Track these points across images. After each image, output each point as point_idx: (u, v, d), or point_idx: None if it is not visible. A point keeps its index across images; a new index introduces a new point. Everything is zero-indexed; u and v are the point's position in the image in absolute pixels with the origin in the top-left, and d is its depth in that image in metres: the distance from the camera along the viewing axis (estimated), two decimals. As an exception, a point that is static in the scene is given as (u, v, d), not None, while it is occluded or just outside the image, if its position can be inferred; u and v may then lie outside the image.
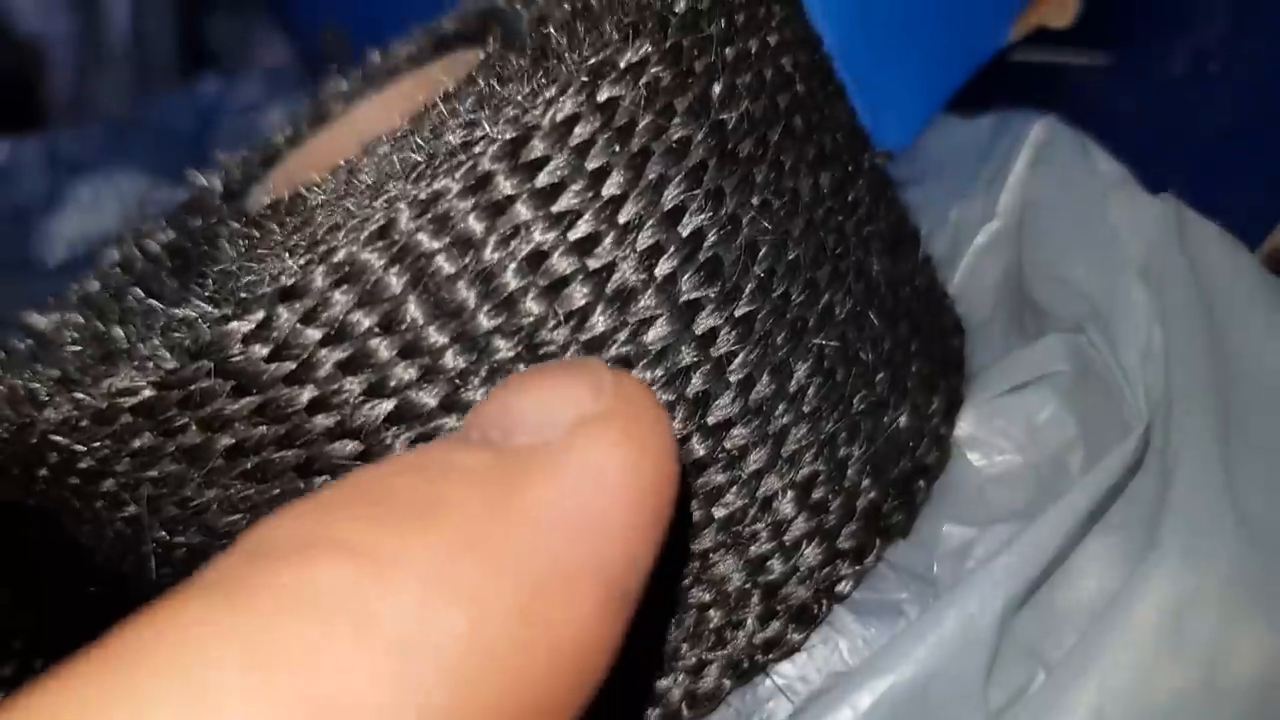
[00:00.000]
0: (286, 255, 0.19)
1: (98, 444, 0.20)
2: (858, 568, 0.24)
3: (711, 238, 0.21)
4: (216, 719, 0.11)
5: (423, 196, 0.19)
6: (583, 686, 0.13)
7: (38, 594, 0.26)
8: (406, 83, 0.31)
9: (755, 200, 0.22)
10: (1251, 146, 0.39)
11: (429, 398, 0.20)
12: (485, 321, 0.20)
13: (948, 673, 0.18)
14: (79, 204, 0.75)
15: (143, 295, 0.25)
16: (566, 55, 0.20)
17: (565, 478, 0.14)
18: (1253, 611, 0.18)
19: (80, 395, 0.20)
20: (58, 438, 0.20)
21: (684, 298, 0.21)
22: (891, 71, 0.39)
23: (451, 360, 0.20)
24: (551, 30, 0.23)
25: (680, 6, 0.21)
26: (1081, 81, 0.44)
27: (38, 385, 0.21)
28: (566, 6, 0.25)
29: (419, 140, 0.21)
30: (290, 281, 0.18)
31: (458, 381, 0.20)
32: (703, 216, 0.21)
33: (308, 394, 0.19)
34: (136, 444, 0.20)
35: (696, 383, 0.21)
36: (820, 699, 0.19)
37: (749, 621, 0.23)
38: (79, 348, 0.23)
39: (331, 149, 0.30)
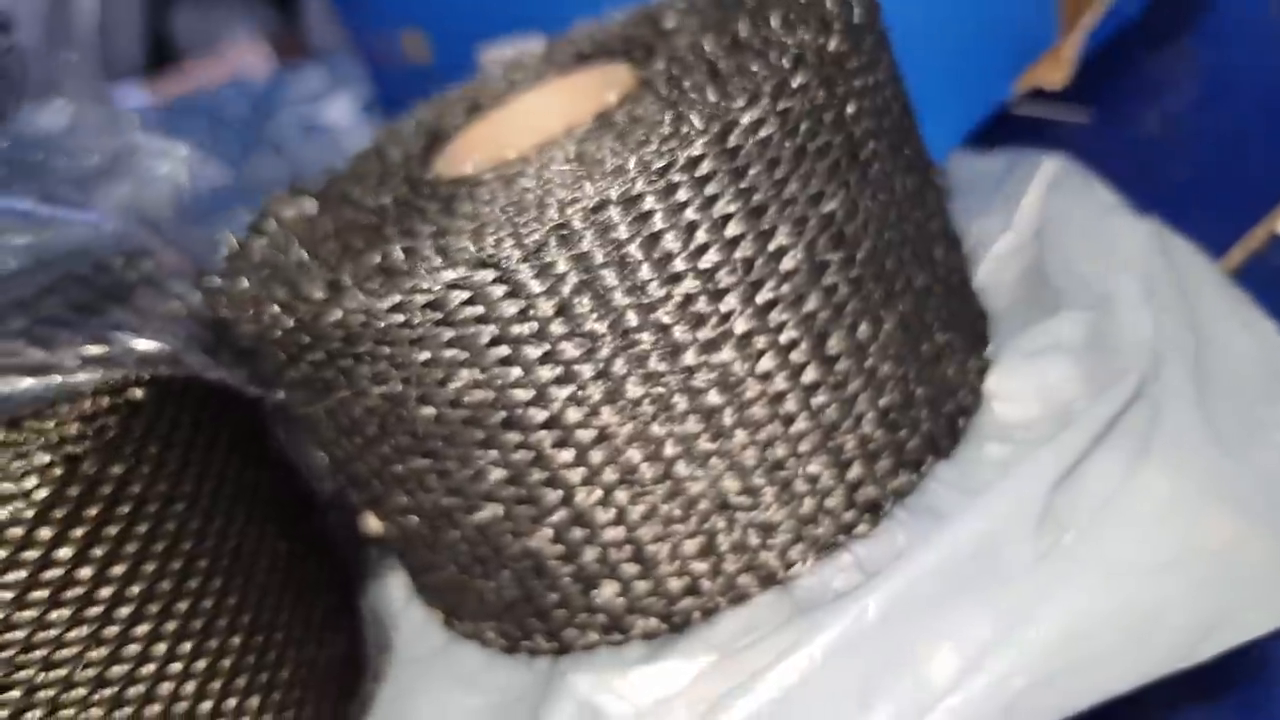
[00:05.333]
0: (557, 202, 0.26)
1: (385, 330, 0.27)
2: (915, 476, 0.32)
3: (840, 216, 0.29)
4: None
5: (658, 166, 0.26)
6: None
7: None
8: (563, 82, 0.38)
9: (868, 192, 0.30)
10: (1206, 198, 0.48)
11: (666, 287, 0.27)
12: (680, 265, 0.27)
13: (1010, 523, 0.26)
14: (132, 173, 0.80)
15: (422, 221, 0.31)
16: (752, 73, 0.28)
17: None
18: (1221, 500, 0.26)
19: (377, 289, 0.27)
20: (351, 325, 0.27)
21: (819, 258, 0.28)
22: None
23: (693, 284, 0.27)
24: (719, 57, 0.31)
25: (832, 46, 0.28)
26: (1068, 134, 0.53)
27: (320, 273, 0.28)
28: (727, 41, 0.32)
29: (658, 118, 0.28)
30: (559, 220, 0.25)
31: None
32: (836, 200, 0.29)
33: (555, 303, 0.26)
34: (420, 332, 0.27)
35: (819, 323, 0.29)
36: (929, 533, 0.27)
37: (834, 510, 0.31)
38: (350, 240, 0.30)
39: (498, 132, 0.37)
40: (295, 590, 0.33)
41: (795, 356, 0.29)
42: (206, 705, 0.30)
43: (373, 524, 0.33)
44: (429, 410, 0.28)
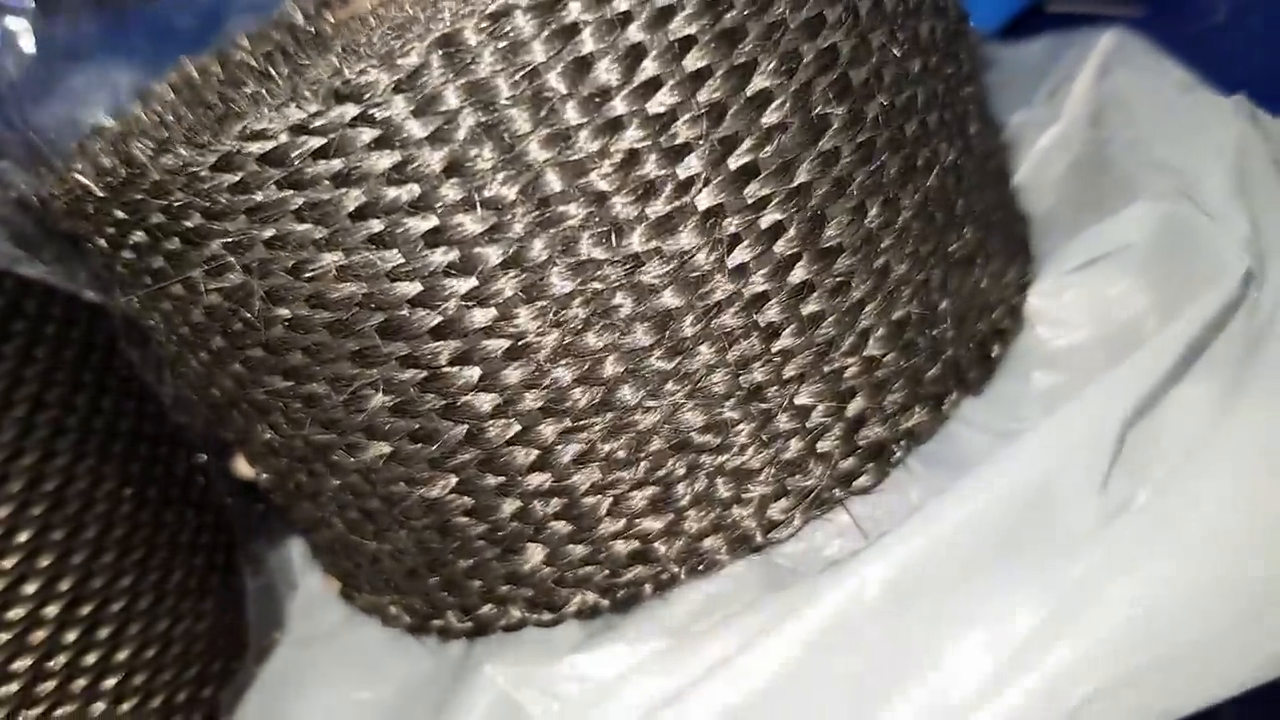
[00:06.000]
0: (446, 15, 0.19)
1: (213, 197, 0.20)
2: (936, 414, 0.24)
3: (845, 54, 0.21)
4: None
5: None
6: None
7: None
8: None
9: (884, 28, 0.22)
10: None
11: (542, 151, 0.19)
12: (620, 106, 0.20)
13: (1067, 473, 0.19)
14: (69, 92, 0.73)
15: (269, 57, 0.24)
16: None
17: None
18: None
19: (203, 140, 0.19)
20: (170, 189, 0.20)
21: (815, 110, 0.21)
22: None
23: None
24: None
25: None
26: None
27: (154, 133, 0.21)
28: None
29: None
30: (447, 30, 0.18)
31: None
32: (840, 32, 0.21)
33: (445, 155, 0.19)
34: (259, 197, 0.19)
35: (815, 201, 0.22)
36: (953, 484, 0.20)
37: (828, 454, 0.23)
38: (206, 97, 0.23)
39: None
40: (144, 550, 0.26)
41: (780, 246, 0.22)
42: (10, 689, 0.23)
43: (242, 467, 0.26)
44: (281, 312, 0.21)
